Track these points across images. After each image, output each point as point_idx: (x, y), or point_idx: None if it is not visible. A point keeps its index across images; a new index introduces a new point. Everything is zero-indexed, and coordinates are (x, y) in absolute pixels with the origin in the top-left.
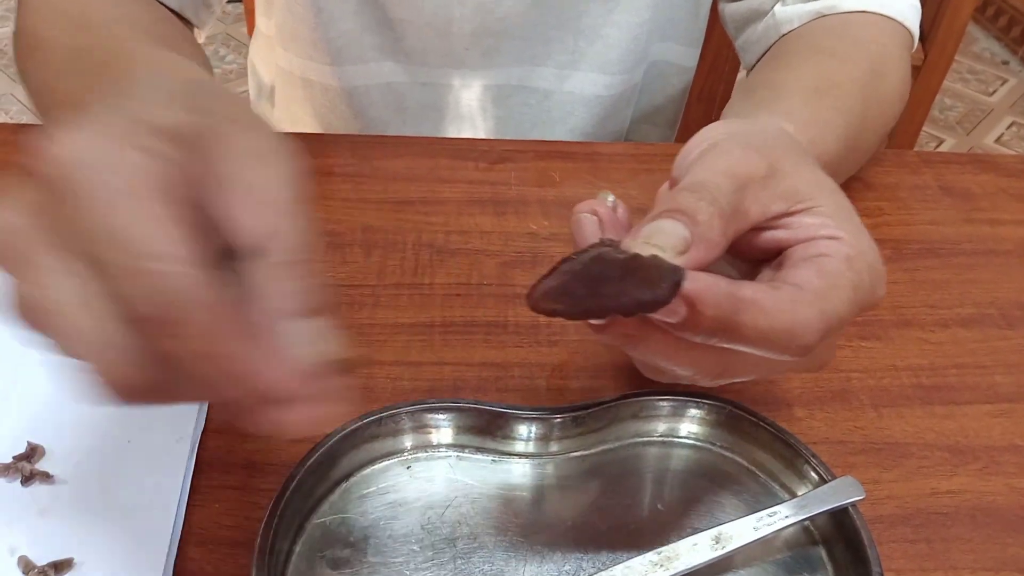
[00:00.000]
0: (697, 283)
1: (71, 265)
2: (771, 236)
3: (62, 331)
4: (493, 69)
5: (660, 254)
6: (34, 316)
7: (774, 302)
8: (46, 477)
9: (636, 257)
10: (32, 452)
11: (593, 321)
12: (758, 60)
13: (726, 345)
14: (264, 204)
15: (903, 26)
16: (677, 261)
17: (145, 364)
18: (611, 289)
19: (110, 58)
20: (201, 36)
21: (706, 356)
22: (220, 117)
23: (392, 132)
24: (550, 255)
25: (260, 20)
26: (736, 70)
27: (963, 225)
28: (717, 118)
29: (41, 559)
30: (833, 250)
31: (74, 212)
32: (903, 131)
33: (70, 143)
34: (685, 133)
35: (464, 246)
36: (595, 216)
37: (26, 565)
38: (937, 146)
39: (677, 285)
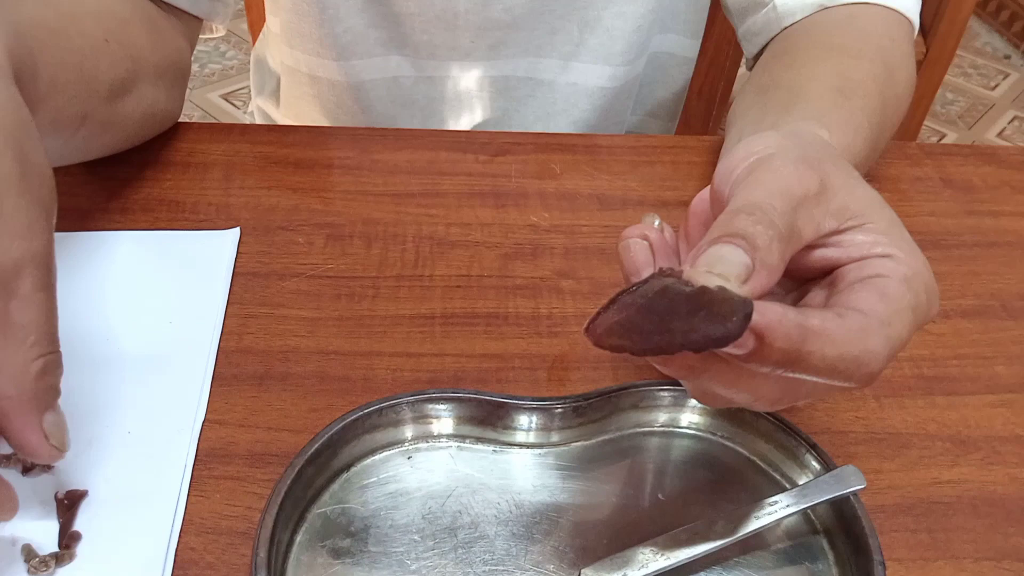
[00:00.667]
0: (767, 316)
1: None
2: (822, 255)
3: None
4: (498, 61)
5: (725, 284)
6: None
7: (843, 332)
8: (45, 467)
9: (704, 290)
10: None
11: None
12: (759, 51)
13: (792, 376)
14: None
15: (905, 17)
16: (741, 291)
17: None
18: (679, 324)
19: None
20: (221, 30)
21: (767, 383)
22: None
23: (400, 126)
24: (550, 247)
25: (269, 19)
26: (737, 66)
27: (964, 217)
28: (718, 114)
29: (43, 549)
30: (890, 270)
31: None
32: (904, 125)
33: None
34: (685, 127)
35: (464, 238)
36: (646, 242)
37: (28, 554)
38: (939, 141)
39: (748, 318)
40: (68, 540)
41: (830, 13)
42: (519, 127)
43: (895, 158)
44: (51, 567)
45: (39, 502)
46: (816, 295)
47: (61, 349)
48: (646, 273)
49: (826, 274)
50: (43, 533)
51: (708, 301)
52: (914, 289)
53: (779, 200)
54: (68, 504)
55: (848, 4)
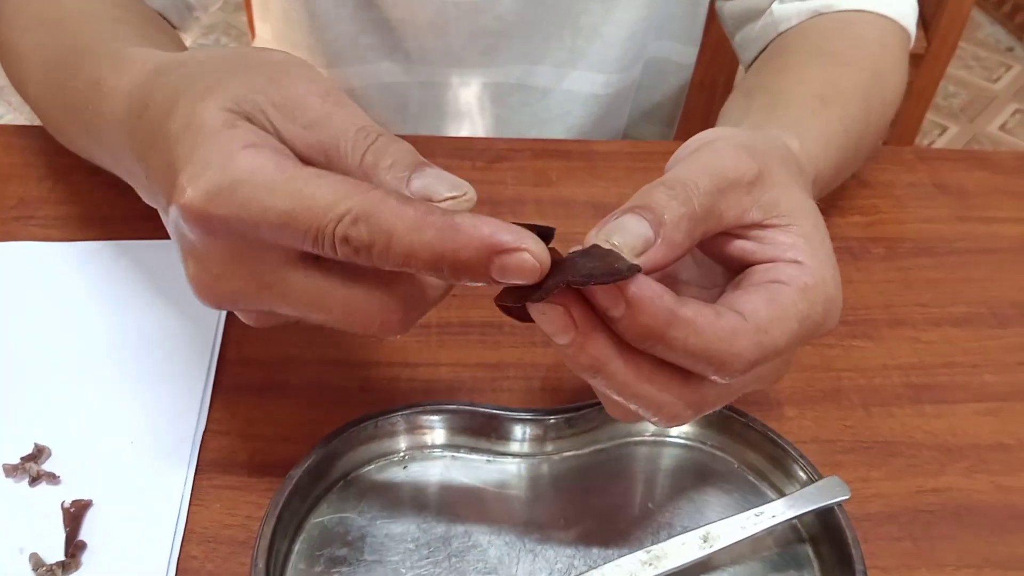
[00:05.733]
0: (643, 291)
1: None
2: (739, 246)
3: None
4: (492, 68)
5: (619, 251)
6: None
7: (712, 329)
8: (52, 478)
9: (594, 247)
10: (39, 453)
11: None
12: (755, 58)
13: (659, 355)
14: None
15: (900, 25)
16: (635, 261)
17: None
18: (563, 269)
19: (89, 65)
20: (187, 39)
21: (662, 396)
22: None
23: (393, 132)
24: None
25: (258, 25)
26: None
27: (957, 223)
28: (719, 108)
29: (49, 558)
30: (791, 278)
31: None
32: (905, 120)
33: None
34: (685, 127)
35: None
36: None
37: (36, 562)
38: (940, 134)
39: (624, 276)
40: (74, 549)
41: (824, 19)
42: (514, 133)
43: (889, 163)
44: (58, 575)
45: (46, 512)
46: (725, 295)
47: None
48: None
49: (739, 267)
50: (49, 542)
51: (601, 255)
52: (809, 300)
53: (705, 178)
54: (74, 514)
55: (843, 11)
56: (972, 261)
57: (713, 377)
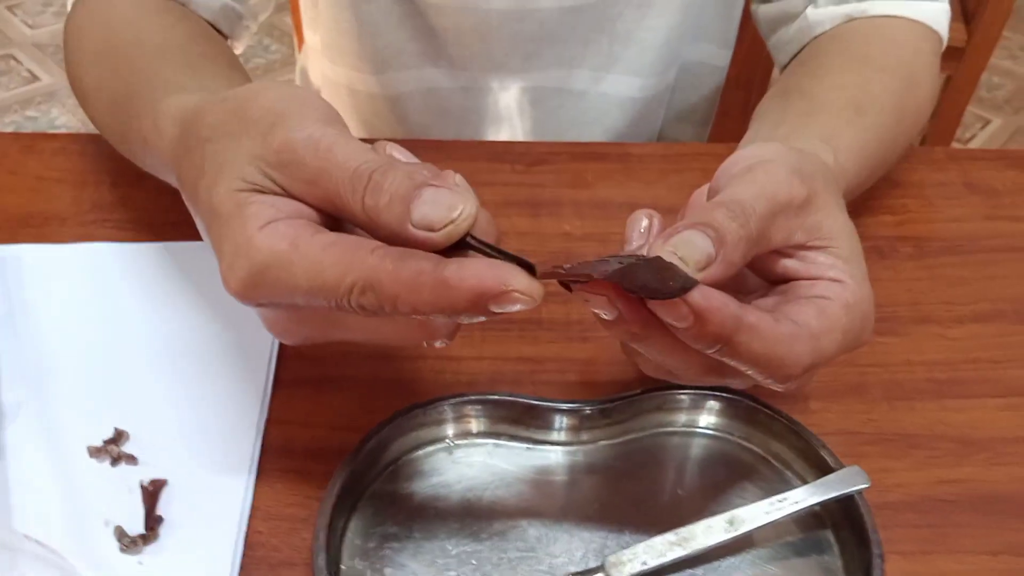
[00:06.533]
0: (711, 300)
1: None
2: (783, 264)
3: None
4: (532, 72)
5: (682, 266)
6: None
7: (774, 333)
8: (131, 459)
9: (659, 259)
10: (119, 437)
11: (601, 313)
12: (790, 60)
13: (721, 358)
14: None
15: (932, 29)
16: (696, 276)
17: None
18: (625, 271)
19: (136, 121)
20: (239, 47)
21: (697, 358)
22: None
23: (434, 135)
24: (583, 255)
25: (307, 34)
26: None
27: (985, 222)
28: (755, 106)
29: (131, 531)
30: (835, 294)
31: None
32: (945, 113)
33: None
34: (721, 126)
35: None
36: (649, 220)
37: (120, 534)
38: (983, 127)
39: (685, 290)
40: (152, 523)
41: (858, 24)
42: (552, 136)
43: (920, 163)
44: (139, 546)
45: (126, 489)
46: (768, 300)
47: (140, 350)
48: (635, 246)
49: (781, 281)
50: (130, 517)
51: (661, 267)
52: (851, 315)
53: (763, 203)
54: (151, 491)
55: (876, 16)
56: (999, 259)
57: (767, 382)
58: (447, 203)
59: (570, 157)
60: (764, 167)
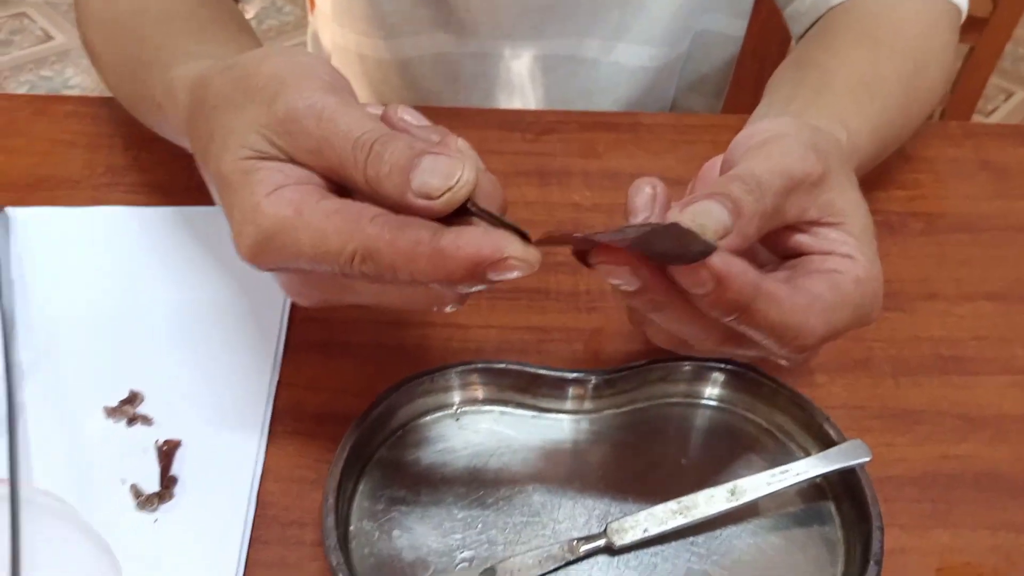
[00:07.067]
0: (731, 267)
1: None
2: (795, 239)
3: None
4: (542, 40)
5: (701, 233)
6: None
7: (791, 302)
8: (146, 420)
9: (676, 225)
10: (133, 398)
11: (621, 284)
12: (805, 31)
13: (737, 327)
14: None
15: (951, 2)
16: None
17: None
18: (643, 238)
19: (147, 88)
20: (250, 12)
21: (715, 328)
22: (275, 96)
23: (445, 102)
24: (591, 225)
25: None
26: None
27: (997, 200)
28: (769, 76)
29: (147, 489)
30: (847, 269)
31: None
32: (965, 85)
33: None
34: (735, 97)
35: (509, 216)
36: (653, 191)
37: (136, 492)
38: (1006, 99)
39: (704, 255)
40: (167, 482)
41: None
42: (562, 105)
43: (934, 138)
44: (155, 504)
45: (141, 449)
46: (779, 273)
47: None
48: (642, 216)
49: (793, 255)
50: (146, 475)
51: (680, 233)
52: (862, 291)
53: (778, 178)
54: (166, 451)
55: None
56: (1010, 239)
57: (781, 351)
58: (445, 171)
59: (580, 126)
60: (779, 142)
